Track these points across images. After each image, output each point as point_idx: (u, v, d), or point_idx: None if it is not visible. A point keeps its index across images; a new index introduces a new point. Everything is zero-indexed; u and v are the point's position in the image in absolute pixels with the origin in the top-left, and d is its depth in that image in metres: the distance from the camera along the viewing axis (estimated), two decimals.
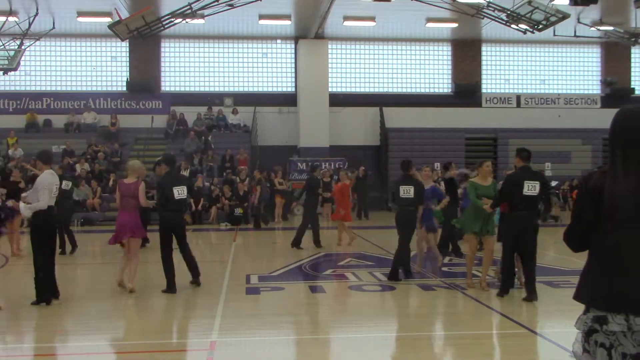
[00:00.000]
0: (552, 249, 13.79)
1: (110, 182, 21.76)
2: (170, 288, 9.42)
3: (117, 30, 20.46)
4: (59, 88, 27.41)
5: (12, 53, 23.03)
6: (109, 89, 27.53)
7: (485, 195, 9.19)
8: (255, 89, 28.02)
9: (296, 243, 14.20)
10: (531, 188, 8.60)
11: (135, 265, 9.51)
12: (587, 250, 2.92)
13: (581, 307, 2.87)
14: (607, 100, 29.11)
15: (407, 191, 10.05)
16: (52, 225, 8.67)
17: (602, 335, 2.71)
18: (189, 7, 20.48)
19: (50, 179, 8.56)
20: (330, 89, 27.31)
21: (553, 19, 21.04)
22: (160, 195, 9.70)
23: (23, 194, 9.56)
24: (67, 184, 13.14)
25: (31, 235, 8.60)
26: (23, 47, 23.41)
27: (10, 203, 12.04)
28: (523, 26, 22.19)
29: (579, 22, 25.02)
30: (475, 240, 9.58)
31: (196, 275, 9.87)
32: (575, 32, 25.77)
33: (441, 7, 21.67)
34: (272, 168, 23.87)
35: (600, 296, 2.76)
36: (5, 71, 23.36)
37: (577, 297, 2.87)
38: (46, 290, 8.50)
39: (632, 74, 30.03)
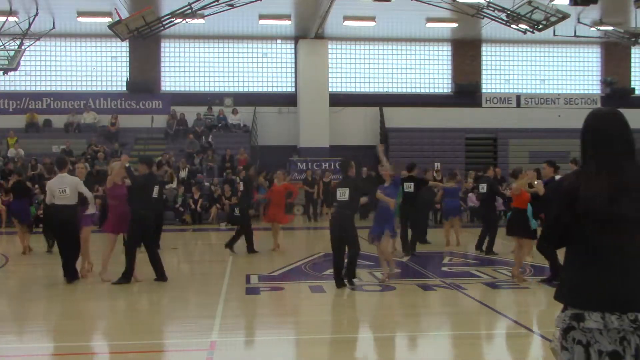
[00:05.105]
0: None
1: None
2: (128, 279, 9.88)
3: (117, 30, 20.45)
4: (59, 88, 27.40)
5: (12, 53, 23.01)
6: (109, 89, 27.52)
7: None
8: (255, 89, 28.01)
9: (230, 245, 13.53)
10: None
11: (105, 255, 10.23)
12: (566, 247, 2.98)
13: None
14: (607, 100, 29.08)
15: (342, 193, 9.49)
16: (52, 221, 10.16)
17: (579, 332, 2.77)
18: (189, 7, 20.47)
19: (55, 183, 9.98)
20: (330, 89, 27.30)
21: (553, 19, 21.03)
22: (144, 193, 10.06)
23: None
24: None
25: None
26: (23, 47, 23.39)
27: None
28: (523, 26, 22.18)
29: (579, 22, 25.01)
30: None
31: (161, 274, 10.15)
32: (575, 32, 25.76)
33: (441, 7, 21.66)
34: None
35: (577, 295, 2.83)
36: (5, 71, 23.34)
37: (557, 296, 2.94)
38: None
39: (632, 74, 30.02)
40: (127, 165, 10.23)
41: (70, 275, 9.99)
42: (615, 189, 2.77)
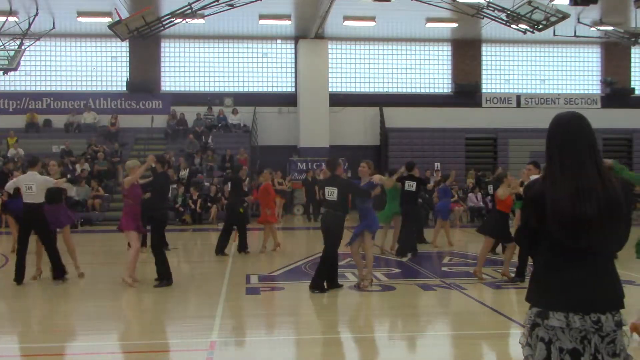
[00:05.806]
0: None
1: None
2: (169, 280, 9.83)
3: (117, 30, 20.45)
4: (59, 88, 27.41)
5: (12, 53, 23.01)
6: (109, 89, 27.53)
7: None
8: (255, 89, 28.02)
9: (220, 249, 13.35)
10: None
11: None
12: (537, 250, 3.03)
13: None
14: (607, 100, 29.11)
15: (331, 192, 9.19)
16: (23, 217, 10.12)
17: (542, 329, 2.86)
18: (189, 7, 20.48)
19: (23, 179, 10.09)
20: (330, 89, 27.31)
21: (553, 19, 21.03)
22: (163, 193, 10.30)
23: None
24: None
25: None
26: (23, 47, 23.39)
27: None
28: (523, 26, 22.17)
29: (579, 22, 25.01)
30: None
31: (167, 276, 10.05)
32: (575, 32, 25.75)
33: (441, 7, 21.66)
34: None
35: (542, 296, 2.91)
36: (5, 71, 23.35)
37: (527, 298, 3.01)
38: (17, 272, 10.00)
39: (632, 74, 30.01)
40: (152, 165, 10.40)
41: (59, 272, 10.03)
42: (579, 191, 2.82)
